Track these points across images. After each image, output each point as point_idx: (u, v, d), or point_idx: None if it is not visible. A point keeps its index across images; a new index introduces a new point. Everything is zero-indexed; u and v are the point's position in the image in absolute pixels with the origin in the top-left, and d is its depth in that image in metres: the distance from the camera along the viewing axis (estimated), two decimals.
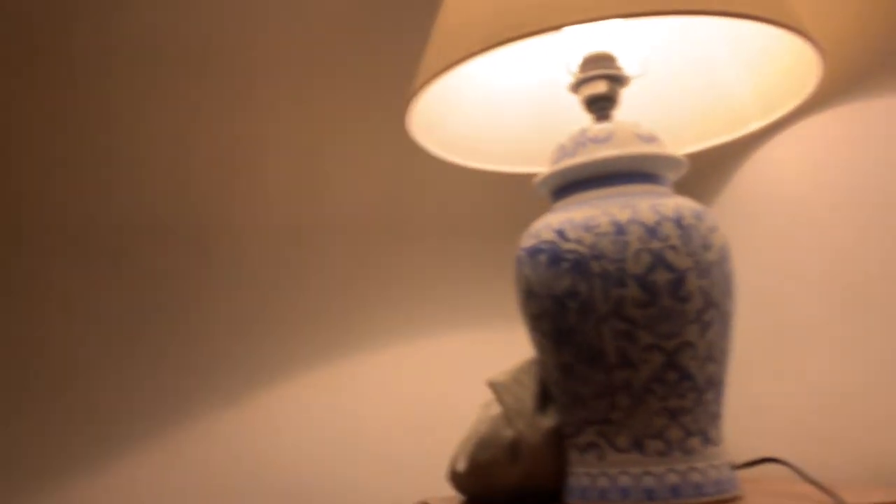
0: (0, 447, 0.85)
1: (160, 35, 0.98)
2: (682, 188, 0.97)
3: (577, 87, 0.70)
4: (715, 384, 0.60)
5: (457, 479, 0.71)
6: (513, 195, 1.08)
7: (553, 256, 0.60)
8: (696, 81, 0.80)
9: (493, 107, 0.83)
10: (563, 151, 0.67)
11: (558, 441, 0.66)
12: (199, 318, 0.94)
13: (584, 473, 0.60)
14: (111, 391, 0.89)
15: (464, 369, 1.01)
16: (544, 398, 0.68)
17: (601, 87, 0.69)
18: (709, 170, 0.93)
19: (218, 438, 0.91)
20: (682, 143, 0.82)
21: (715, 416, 0.60)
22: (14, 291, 0.89)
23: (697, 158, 0.95)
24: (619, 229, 0.58)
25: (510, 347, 1.02)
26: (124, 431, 0.89)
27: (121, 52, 0.97)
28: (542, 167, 0.85)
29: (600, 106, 0.69)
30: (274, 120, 1.01)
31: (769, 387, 0.83)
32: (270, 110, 1.01)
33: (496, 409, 0.69)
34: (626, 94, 0.84)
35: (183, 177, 0.96)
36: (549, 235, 0.61)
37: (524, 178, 1.09)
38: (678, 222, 0.58)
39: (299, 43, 1.03)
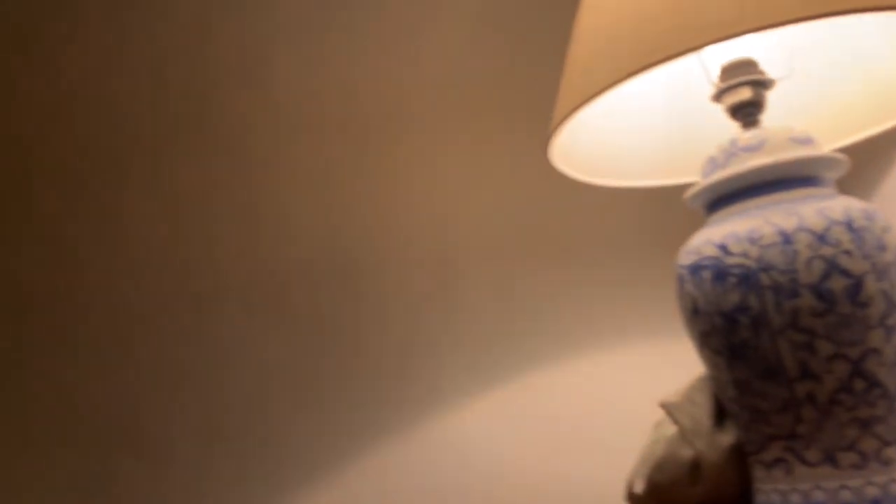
0: (189, 487, 0.92)
1: (302, 91, 1.05)
2: (837, 185, 0.93)
3: (720, 96, 0.69)
4: None
5: (635, 501, 0.70)
6: (657, 208, 1.07)
7: (718, 272, 0.59)
8: (845, 71, 0.77)
9: (630, 122, 0.83)
10: (714, 163, 0.66)
11: (740, 458, 0.64)
12: (358, 356, 0.98)
13: (773, 490, 0.59)
14: (285, 431, 0.95)
15: (624, 388, 1.00)
16: (720, 415, 0.67)
17: (746, 93, 0.68)
18: (864, 163, 0.89)
19: (387, 473, 0.95)
20: (835, 137, 0.79)
21: None
22: (192, 342, 0.96)
23: (851, 152, 0.91)
24: (786, 238, 0.57)
25: (671, 362, 1.01)
26: (300, 468, 0.94)
27: (270, 109, 1.03)
28: (683, 178, 0.84)
29: (747, 112, 0.68)
30: (413, 155, 1.05)
31: None
32: (407, 147, 1.05)
33: (670, 429, 0.68)
34: (769, 95, 0.82)
35: (333, 223, 1.01)
36: (712, 251, 0.60)
37: (665, 191, 1.08)
38: (849, 225, 0.57)
39: (429, 79, 1.07)
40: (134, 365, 0.96)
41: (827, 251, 0.56)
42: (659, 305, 1.03)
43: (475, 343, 1.00)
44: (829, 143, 0.79)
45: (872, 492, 0.55)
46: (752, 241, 0.58)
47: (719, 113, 0.84)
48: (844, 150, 0.92)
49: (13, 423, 0.95)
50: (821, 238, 0.56)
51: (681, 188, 1.07)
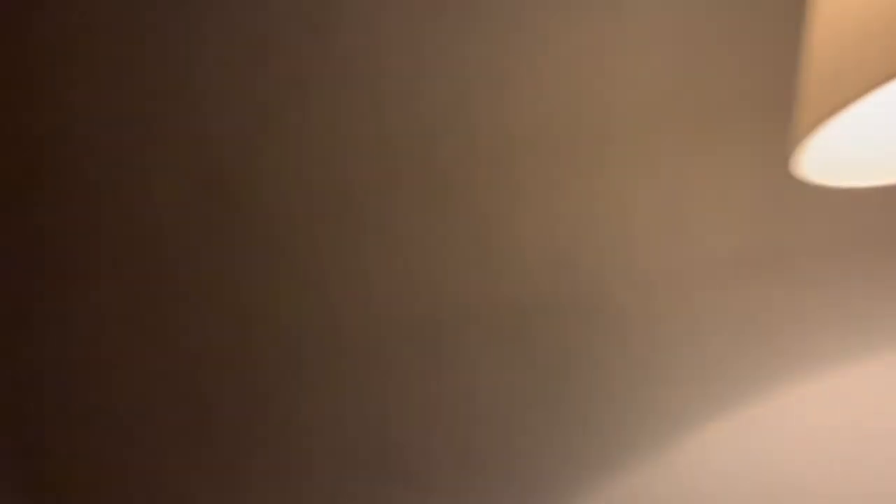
0: None
1: (526, 119, 1.07)
2: None
3: None
4: None
5: None
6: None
7: None
8: None
9: (872, 114, 0.78)
10: None
11: None
12: (600, 380, 0.99)
13: None
14: (534, 457, 0.98)
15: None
16: None
17: None
18: None
19: (639, 496, 0.95)
20: None
21: None
22: (437, 370, 1.02)
23: None
24: None
25: None
26: (550, 493, 0.96)
27: (493, 142, 1.07)
28: None
29: None
30: (639, 173, 1.04)
31: None
32: (632, 165, 1.04)
33: None
34: None
35: (564, 250, 1.03)
36: None
37: None
38: None
39: (646, 94, 1.05)
40: (385, 393, 1.04)
41: None
42: None
43: (720, 361, 0.97)
44: None
45: None
46: None
47: None
48: None
49: (276, 451, 1.06)
50: None
51: None
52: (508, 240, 1.04)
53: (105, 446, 1.16)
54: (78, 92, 1.15)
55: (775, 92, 1.05)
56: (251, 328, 1.11)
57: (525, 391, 1.00)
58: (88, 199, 1.22)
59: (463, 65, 1.10)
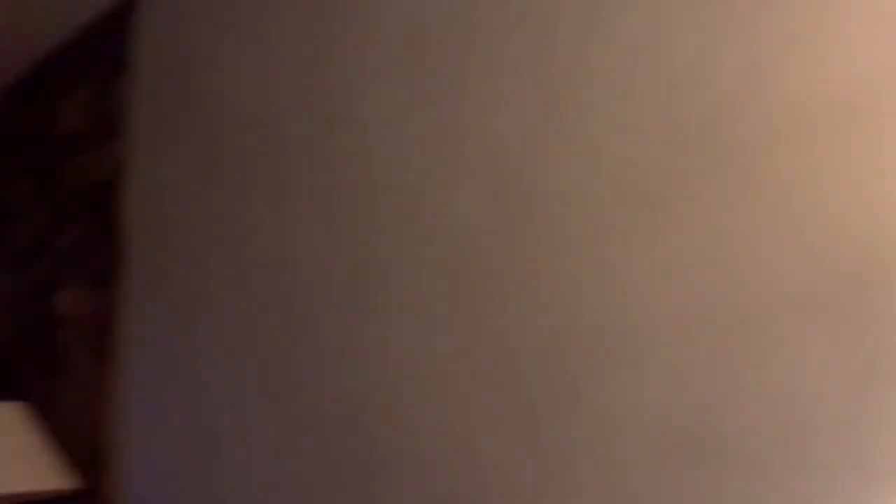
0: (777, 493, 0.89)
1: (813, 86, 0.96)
2: None
3: None
4: None
5: None
6: None
7: None
8: None
9: None
10: None
11: None
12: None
13: None
14: (872, 441, 0.86)
15: None
16: None
17: None
18: None
19: None
20: None
21: None
22: (755, 359, 0.94)
23: None
24: None
25: None
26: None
27: (786, 110, 0.96)
28: None
29: None
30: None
31: None
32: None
33: None
34: None
35: (871, 224, 0.90)
36: None
37: None
38: None
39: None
40: (699, 380, 0.97)
41: None
42: None
43: None
44: None
45: None
46: None
47: None
48: None
49: (591, 435, 1.03)
50: None
51: None
52: (814, 216, 0.94)
53: (429, 431, 1.20)
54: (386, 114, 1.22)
55: None
56: (558, 321, 1.10)
57: (850, 374, 0.88)
58: (402, 209, 1.29)
59: (753, 37, 1.01)
